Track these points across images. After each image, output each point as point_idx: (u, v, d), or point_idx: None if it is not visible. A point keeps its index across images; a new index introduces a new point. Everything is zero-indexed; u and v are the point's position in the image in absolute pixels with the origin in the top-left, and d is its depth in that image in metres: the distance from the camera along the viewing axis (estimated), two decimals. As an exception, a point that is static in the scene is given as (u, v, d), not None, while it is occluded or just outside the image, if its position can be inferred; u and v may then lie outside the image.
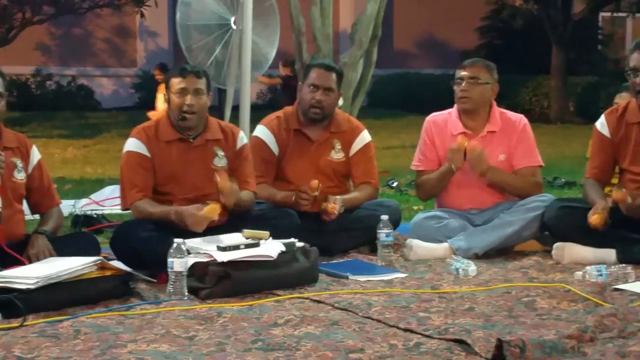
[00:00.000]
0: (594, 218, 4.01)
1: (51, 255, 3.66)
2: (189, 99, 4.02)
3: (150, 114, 10.76)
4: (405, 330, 3.00)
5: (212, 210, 3.83)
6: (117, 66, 18.98)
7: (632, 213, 3.99)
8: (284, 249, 3.73)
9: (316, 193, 4.30)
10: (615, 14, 18.17)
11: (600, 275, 3.73)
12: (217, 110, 8.22)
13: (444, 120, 4.66)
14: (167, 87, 4.12)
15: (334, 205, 4.30)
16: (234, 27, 6.44)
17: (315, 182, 4.30)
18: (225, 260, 3.55)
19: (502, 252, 4.41)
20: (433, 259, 4.29)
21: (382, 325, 3.08)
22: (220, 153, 4.16)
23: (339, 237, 4.43)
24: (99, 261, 3.49)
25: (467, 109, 4.56)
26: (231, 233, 3.87)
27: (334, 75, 4.54)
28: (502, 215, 4.43)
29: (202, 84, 4.07)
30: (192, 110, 4.04)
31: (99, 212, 5.77)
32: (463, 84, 4.53)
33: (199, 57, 6.50)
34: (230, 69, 6.47)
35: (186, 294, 3.48)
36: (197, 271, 3.56)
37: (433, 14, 20.20)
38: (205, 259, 3.59)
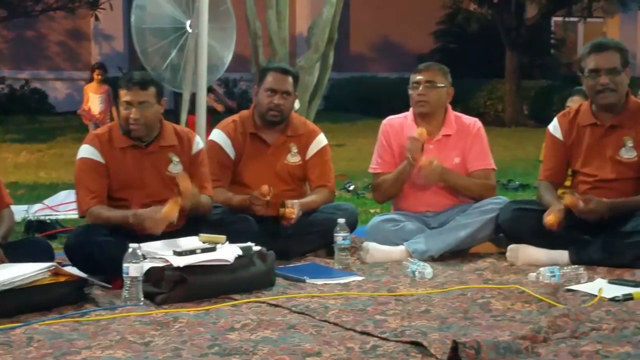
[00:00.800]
0: (550, 218, 4.06)
1: (2, 262, 3.60)
2: (133, 113, 4.00)
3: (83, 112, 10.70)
4: (362, 333, 3.02)
5: (170, 210, 3.81)
6: (71, 69, 18.77)
7: (585, 216, 4.04)
8: (240, 253, 3.73)
9: (268, 198, 4.30)
10: (567, 19, 18.43)
11: (553, 276, 3.78)
12: (173, 114, 8.18)
13: (400, 124, 4.69)
14: (117, 96, 4.11)
15: (292, 209, 4.31)
16: (189, 30, 6.40)
17: (265, 188, 4.30)
18: (181, 264, 3.53)
19: (457, 254, 4.44)
20: (390, 261, 4.31)
21: (339, 329, 3.08)
22: (175, 159, 4.14)
23: (295, 240, 4.43)
24: (53, 267, 3.45)
25: (425, 113, 4.59)
26: (188, 237, 3.85)
27: (290, 79, 4.55)
28: (458, 217, 4.47)
29: (148, 95, 4.02)
30: (138, 123, 4.02)
31: (53, 218, 5.70)
32: (420, 88, 4.56)
33: (154, 60, 6.45)
34: (186, 73, 6.43)
35: (142, 299, 3.46)
36: (153, 276, 3.54)
37: (389, 18, 20.31)
38: (161, 264, 3.57)
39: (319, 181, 4.63)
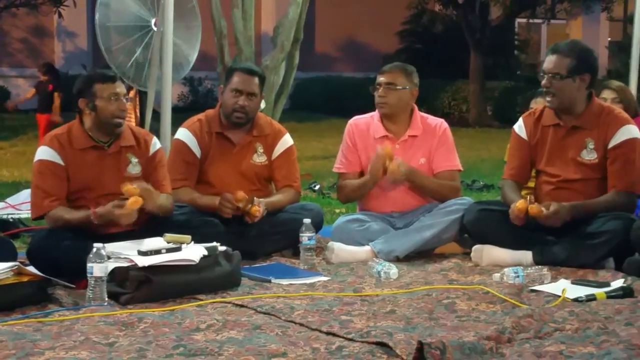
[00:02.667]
0: (519, 203, 4.06)
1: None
2: (122, 105, 4.01)
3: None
4: (328, 333, 3.02)
5: (134, 202, 3.80)
6: (33, 67, 18.50)
7: (549, 222, 4.08)
8: (206, 253, 3.71)
9: (240, 205, 4.29)
10: (530, 20, 18.61)
11: (517, 276, 3.81)
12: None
13: (366, 124, 4.70)
14: (90, 94, 4.03)
15: (258, 207, 4.30)
16: (154, 28, 6.35)
17: (241, 194, 4.29)
18: (146, 264, 3.51)
19: (422, 254, 4.46)
20: (355, 262, 4.31)
21: (305, 329, 3.08)
22: (134, 160, 4.11)
23: (261, 240, 4.42)
24: (15, 267, 3.41)
25: (386, 114, 4.61)
26: (153, 237, 3.83)
27: (256, 80, 4.54)
28: (423, 218, 4.49)
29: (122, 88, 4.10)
30: (125, 115, 4.05)
31: (16, 216, 5.63)
32: (380, 90, 4.58)
33: (118, 58, 6.40)
34: (151, 71, 6.39)
35: (106, 299, 3.42)
36: (118, 276, 3.51)
37: (354, 18, 20.36)
38: (125, 264, 3.54)
39: (284, 181, 4.62)
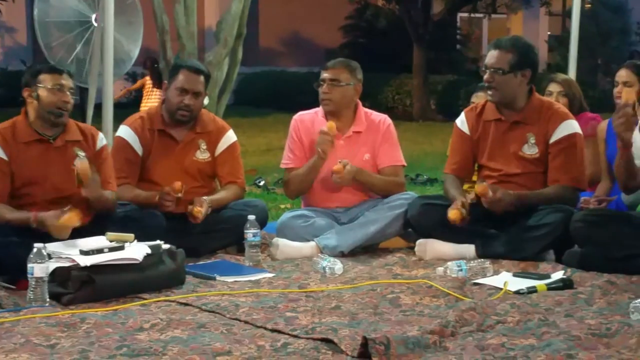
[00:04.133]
0: (453, 213, 4.13)
1: None
2: (66, 97, 3.97)
3: None
4: (273, 330, 3.01)
5: (70, 219, 3.73)
6: (-29, 62, 18.20)
7: (492, 206, 4.13)
8: (149, 251, 3.67)
9: (180, 194, 4.26)
10: (472, 15, 18.82)
11: (461, 270, 3.85)
12: (79, 109, 8.00)
13: (310, 120, 4.71)
14: (34, 83, 3.97)
15: (200, 208, 4.27)
16: (95, 24, 6.29)
17: (178, 184, 4.26)
18: (88, 264, 3.46)
19: (367, 249, 4.49)
20: (300, 258, 4.31)
21: (250, 327, 3.08)
22: (81, 153, 4.04)
23: (206, 237, 4.39)
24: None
25: (330, 111, 4.62)
26: (95, 236, 3.78)
27: (202, 78, 4.51)
28: (367, 213, 4.51)
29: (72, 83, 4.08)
30: (67, 107, 3.99)
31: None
32: (324, 86, 4.59)
33: (59, 54, 6.33)
34: (92, 67, 6.32)
35: (47, 300, 3.37)
36: (59, 276, 3.46)
37: (298, 13, 20.36)
38: (67, 264, 3.49)
39: (228, 178, 4.60)
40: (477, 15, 18.91)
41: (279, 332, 2.99)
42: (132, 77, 17.86)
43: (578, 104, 5.06)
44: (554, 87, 5.08)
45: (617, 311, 3.20)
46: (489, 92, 4.34)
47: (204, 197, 4.36)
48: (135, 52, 6.76)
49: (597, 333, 2.88)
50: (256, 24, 19.26)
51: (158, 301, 3.45)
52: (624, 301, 3.31)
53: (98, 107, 6.55)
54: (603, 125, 4.83)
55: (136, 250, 3.64)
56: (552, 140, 4.27)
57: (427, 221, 4.34)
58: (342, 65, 4.67)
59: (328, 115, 4.64)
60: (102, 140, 4.19)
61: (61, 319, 3.15)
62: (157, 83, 10.03)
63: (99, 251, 3.57)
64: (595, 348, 2.76)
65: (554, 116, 4.30)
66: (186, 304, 3.41)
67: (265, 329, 3.04)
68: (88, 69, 6.37)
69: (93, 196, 3.91)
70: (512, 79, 4.27)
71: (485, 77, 4.30)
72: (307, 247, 4.39)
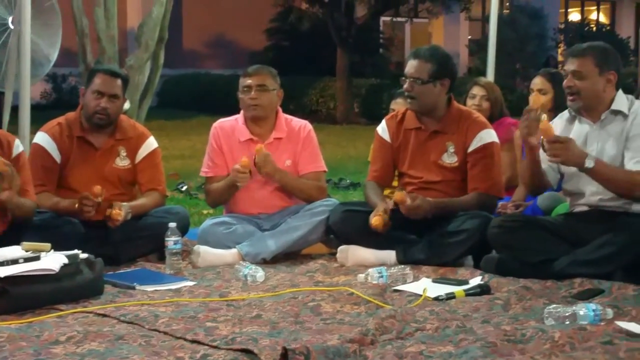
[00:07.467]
0: (375, 219, 4.17)
1: None
2: None
3: None
4: (193, 341, 2.98)
5: None
6: None
7: (411, 214, 4.17)
8: (66, 261, 3.60)
9: (99, 199, 4.19)
10: (394, 19, 19.01)
11: (381, 276, 3.87)
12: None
13: (231, 127, 4.69)
14: None
15: (119, 211, 4.21)
16: (11, 26, 6.14)
17: (98, 188, 4.20)
18: (2, 275, 3.37)
19: (289, 256, 4.49)
20: (222, 265, 4.29)
21: (169, 338, 3.04)
22: (-1, 160, 3.96)
23: (126, 245, 4.34)
24: None
25: (259, 116, 4.61)
26: (10, 246, 3.69)
27: (119, 82, 4.45)
28: (289, 220, 4.51)
29: None
30: None
31: None
32: (252, 92, 4.57)
33: (-27, 57, 6.16)
34: (9, 71, 6.17)
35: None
36: (-28, 288, 3.37)
37: (221, 15, 20.25)
38: (-20, 275, 3.40)
39: (149, 185, 4.55)
40: (400, 19, 19.11)
41: (199, 343, 2.96)
42: (53, 79, 17.55)
43: (499, 108, 5.16)
44: (477, 91, 5.16)
45: (532, 317, 3.26)
46: (409, 101, 4.40)
47: (124, 203, 4.31)
48: (54, 55, 6.61)
49: (513, 339, 2.94)
50: (180, 26, 19.10)
51: (75, 312, 3.38)
52: (538, 306, 3.38)
53: (15, 110, 6.41)
54: (520, 131, 4.93)
55: (53, 260, 3.56)
56: (470, 149, 4.35)
57: (348, 227, 4.37)
58: (266, 70, 4.67)
59: (251, 121, 4.63)
60: (18, 147, 4.10)
61: (-27, 333, 3.06)
62: None
63: (14, 262, 3.47)
64: (511, 354, 2.81)
65: (472, 126, 4.37)
66: (104, 315, 3.35)
67: (185, 339, 3.00)
68: (4, 73, 6.22)
69: (12, 203, 3.82)
70: (431, 89, 4.33)
71: (405, 86, 4.35)
72: (228, 255, 4.37)
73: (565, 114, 4.10)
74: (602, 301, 3.41)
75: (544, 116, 3.91)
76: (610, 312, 3.18)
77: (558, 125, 4.01)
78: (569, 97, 3.95)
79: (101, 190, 4.20)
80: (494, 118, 5.00)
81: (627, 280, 3.69)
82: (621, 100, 3.93)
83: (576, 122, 4.03)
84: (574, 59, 3.92)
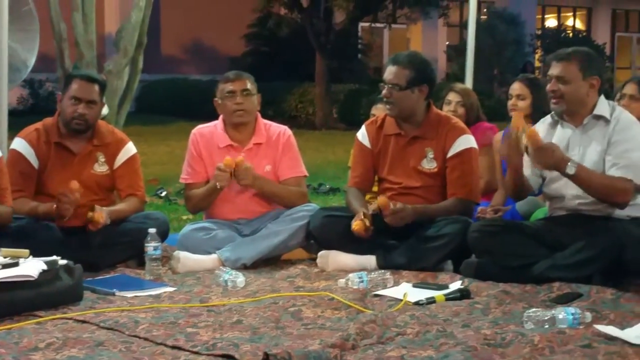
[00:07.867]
0: (357, 224, 4.17)
1: None
2: None
3: None
4: (173, 347, 2.97)
5: None
6: None
7: (392, 219, 4.18)
8: (45, 267, 3.58)
9: (77, 195, 4.16)
10: (373, 25, 19.06)
11: (362, 281, 3.88)
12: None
13: (210, 133, 4.68)
14: None
15: (101, 213, 4.20)
16: (-12, 31, 6.09)
17: (75, 183, 4.16)
18: (-20, 282, 3.35)
19: (269, 261, 4.48)
20: (202, 271, 4.28)
21: (150, 344, 3.03)
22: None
23: (105, 251, 4.32)
24: None
25: (244, 122, 4.60)
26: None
27: (96, 87, 4.43)
28: (270, 225, 4.51)
29: None
30: None
31: None
32: (237, 98, 4.57)
33: (-51, 62, 6.09)
34: (-15, 76, 6.11)
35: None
36: (-51, 295, 3.34)
37: (200, 21, 20.23)
38: (-42, 282, 3.37)
39: (128, 190, 4.53)
40: (378, 25, 19.16)
41: (180, 348, 2.96)
42: (30, 84, 17.44)
43: (475, 114, 5.18)
44: (452, 97, 5.19)
45: (512, 321, 3.28)
46: (388, 107, 4.41)
47: (104, 208, 4.29)
48: (32, 60, 6.59)
49: (493, 343, 2.95)
50: (159, 31, 19.05)
51: (54, 319, 3.36)
52: (518, 310, 3.40)
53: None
54: (499, 136, 4.97)
55: (31, 267, 3.53)
56: (449, 155, 4.37)
57: (329, 233, 4.37)
58: (246, 75, 4.69)
59: (233, 128, 4.62)
60: (-5, 152, 4.08)
61: (-49, 340, 3.03)
62: None
63: (-8, 268, 3.46)
64: (491, 358, 2.82)
65: (451, 131, 4.39)
66: (84, 322, 3.33)
67: (166, 345, 3.00)
68: (-19, 78, 6.16)
69: None
70: (410, 95, 4.35)
71: (384, 92, 4.37)
72: (208, 260, 4.36)
73: (547, 118, 4.12)
74: (580, 305, 3.44)
75: (528, 127, 3.90)
76: (588, 316, 3.20)
77: (541, 130, 4.03)
78: (553, 100, 3.97)
79: (78, 186, 4.16)
80: (470, 123, 5.02)
81: (605, 284, 3.73)
82: (603, 106, 3.96)
83: (558, 126, 4.06)
84: (558, 64, 3.95)
